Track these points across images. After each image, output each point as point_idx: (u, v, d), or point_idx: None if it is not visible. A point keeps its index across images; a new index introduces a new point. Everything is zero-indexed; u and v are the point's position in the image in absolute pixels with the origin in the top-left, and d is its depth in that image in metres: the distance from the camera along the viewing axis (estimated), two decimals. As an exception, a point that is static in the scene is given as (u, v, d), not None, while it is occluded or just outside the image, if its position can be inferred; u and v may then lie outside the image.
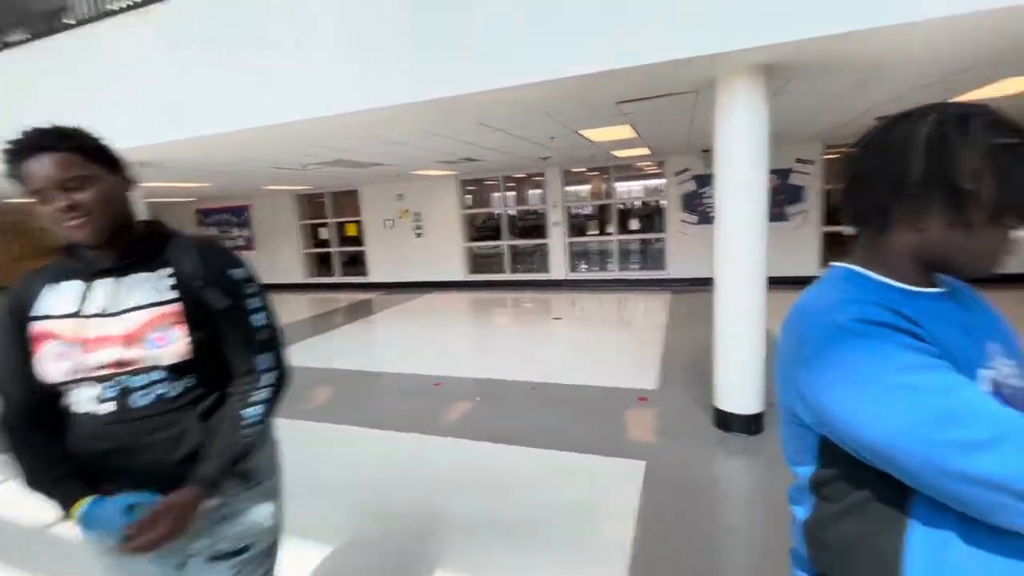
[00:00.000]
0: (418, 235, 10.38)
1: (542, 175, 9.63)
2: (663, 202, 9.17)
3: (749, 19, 2.68)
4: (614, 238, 9.60)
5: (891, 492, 0.71)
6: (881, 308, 0.69)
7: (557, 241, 9.66)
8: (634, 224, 10.01)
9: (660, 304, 7.77)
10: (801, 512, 0.85)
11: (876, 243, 0.78)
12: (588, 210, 13.61)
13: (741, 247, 3.32)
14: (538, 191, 10.94)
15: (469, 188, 10.63)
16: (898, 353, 0.66)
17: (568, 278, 9.70)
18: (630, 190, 17.26)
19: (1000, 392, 0.72)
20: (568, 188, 13.90)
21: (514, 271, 10.43)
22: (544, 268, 10.03)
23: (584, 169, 10.08)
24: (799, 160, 7.87)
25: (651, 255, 10.30)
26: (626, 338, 6.15)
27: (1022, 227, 0.74)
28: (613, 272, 9.67)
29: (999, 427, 0.61)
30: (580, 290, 9.43)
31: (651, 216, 10.63)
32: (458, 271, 10.28)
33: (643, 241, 10.81)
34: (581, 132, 5.42)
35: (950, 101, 0.74)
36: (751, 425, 3.37)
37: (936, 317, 0.74)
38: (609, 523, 2.53)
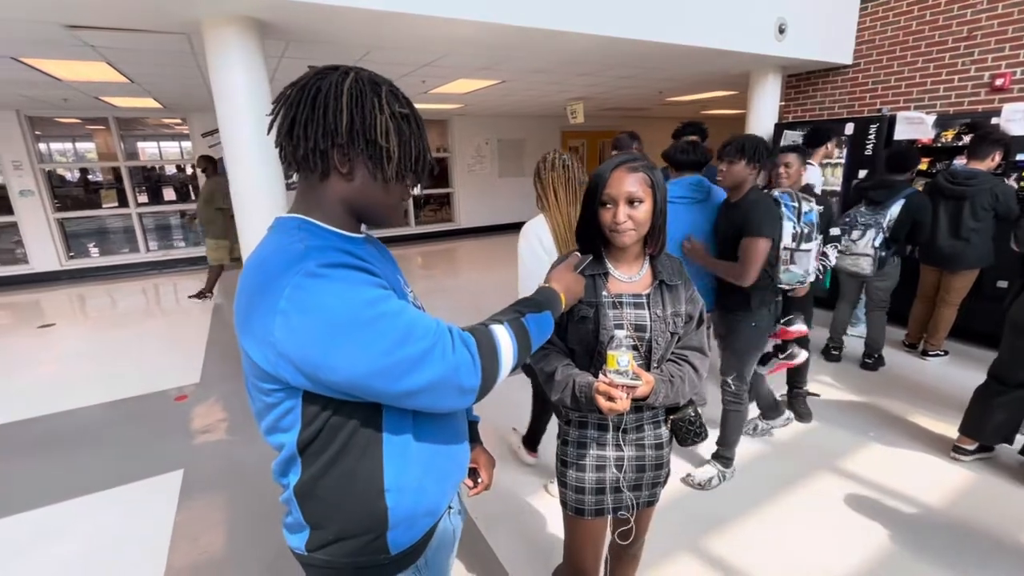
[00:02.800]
0: None
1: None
2: (189, 169, 7.92)
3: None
4: (132, 211, 7.65)
5: (367, 421, 0.79)
6: (336, 251, 0.74)
7: (33, 218, 6.90)
8: (170, 193, 8.15)
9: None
10: (290, 481, 0.83)
11: (316, 191, 0.80)
12: (98, 176, 10.26)
13: (259, 217, 3.17)
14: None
15: None
16: (363, 289, 0.72)
17: (65, 268, 7.19)
18: (165, 151, 14.03)
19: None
20: (54, 145, 10.10)
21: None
22: (18, 258, 7.05)
23: (78, 120, 7.46)
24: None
25: (190, 230, 8.82)
26: (158, 332, 5.07)
27: (417, 187, 0.87)
28: (141, 254, 7.77)
29: (432, 332, 0.74)
30: (89, 281, 7.18)
31: (188, 184, 9.02)
32: None
33: (181, 214, 9.11)
34: (25, 60, 3.84)
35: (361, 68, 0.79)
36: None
37: (372, 256, 0.83)
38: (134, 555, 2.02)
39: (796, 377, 2.94)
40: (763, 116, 5.32)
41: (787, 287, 2.37)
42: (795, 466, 2.51)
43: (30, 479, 2.64)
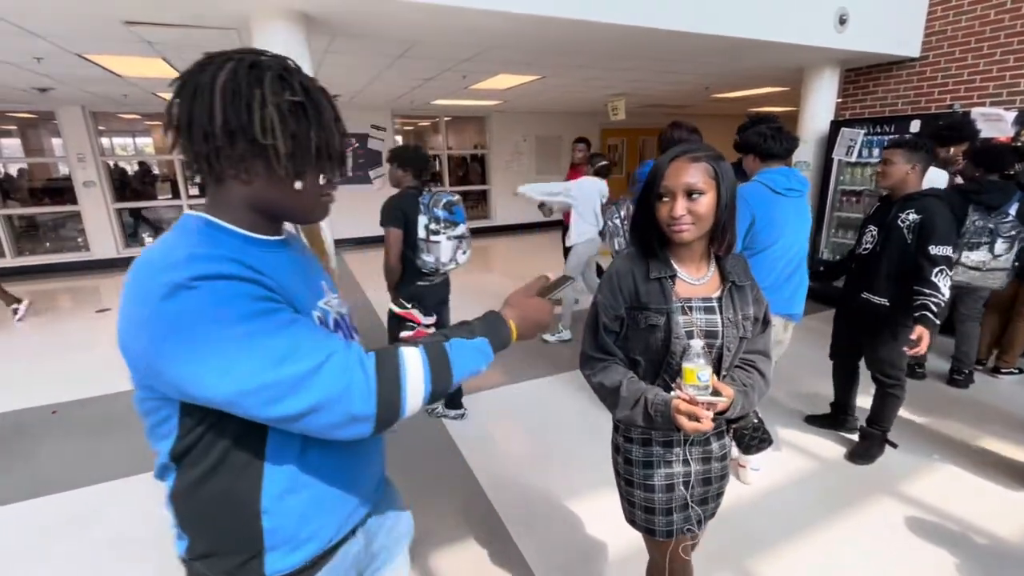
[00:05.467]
0: None
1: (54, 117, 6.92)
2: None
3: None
4: (184, 202, 7.96)
5: (248, 441, 0.74)
6: (225, 260, 0.66)
7: (94, 208, 7.27)
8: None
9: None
10: (167, 486, 0.80)
11: (218, 192, 0.73)
12: (156, 168, 10.78)
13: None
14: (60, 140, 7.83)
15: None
16: (238, 303, 0.64)
17: (123, 255, 7.52)
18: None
19: (328, 321, 0.83)
20: (116, 140, 10.62)
21: (21, 253, 7.32)
22: (80, 245, 7.45)
23: (139, 116, 7.83)
24: (374, 126, 8.42)
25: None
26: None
27: (331, 176, 0.76)
28: (190, 244, 8.08)
29: (322, 352, 0.67)
30: (145, 269, 7.51)
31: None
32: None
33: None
34: (88, 56, 4.02)
35: (255, 48, 0.72)
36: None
37: (278, 265, 0.76)
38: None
39: (881, 414, 2.52)
40: (818, 113, 5.05)
41: (427, 272, 2.71)
42: (851, 487, 2.34)
43: (81, 458, 2.76)
